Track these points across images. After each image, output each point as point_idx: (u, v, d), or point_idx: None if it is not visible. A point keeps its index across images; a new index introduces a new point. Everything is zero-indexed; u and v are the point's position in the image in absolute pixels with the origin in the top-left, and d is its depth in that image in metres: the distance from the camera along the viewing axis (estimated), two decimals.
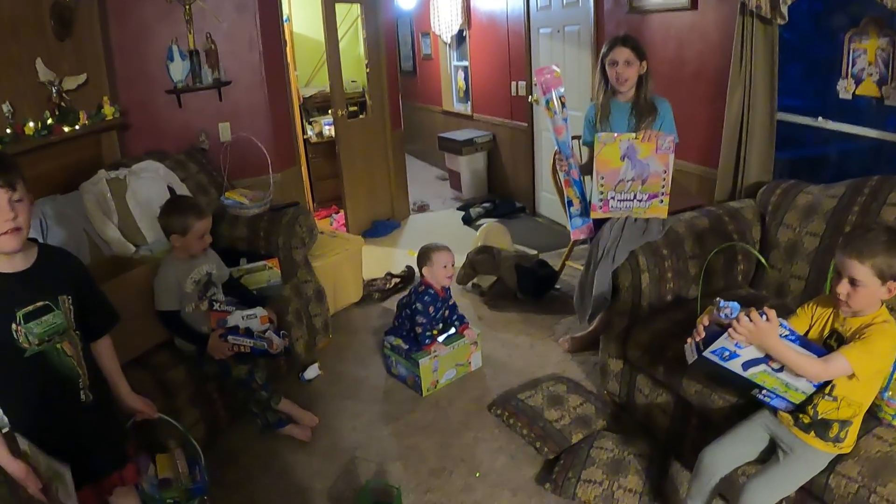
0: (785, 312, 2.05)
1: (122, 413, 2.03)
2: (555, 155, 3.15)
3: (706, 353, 1.86)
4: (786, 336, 1.82)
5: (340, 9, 5.63)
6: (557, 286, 4.27)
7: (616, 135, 2.87)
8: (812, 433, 1.91)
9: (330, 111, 5.73)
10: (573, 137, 3.18)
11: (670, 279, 2.82)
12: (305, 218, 3.49)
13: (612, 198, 2.91)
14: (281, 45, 4.64)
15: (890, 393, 1.98)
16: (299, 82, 6.47)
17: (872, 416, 2.00)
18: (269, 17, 4.37)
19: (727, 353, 1.85)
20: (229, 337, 2.63)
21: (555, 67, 3.00)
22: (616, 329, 2.87)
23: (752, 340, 1.79)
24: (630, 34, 3.12)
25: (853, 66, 2.98)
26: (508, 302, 4.17)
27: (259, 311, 2.73)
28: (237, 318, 2.67)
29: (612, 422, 2.88)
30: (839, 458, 1.92)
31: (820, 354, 1.84)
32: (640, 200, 2.90)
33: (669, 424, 2.64)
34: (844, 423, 1.88)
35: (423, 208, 6.63)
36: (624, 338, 2.82)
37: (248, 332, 2.68)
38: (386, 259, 5.10)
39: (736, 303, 1.92)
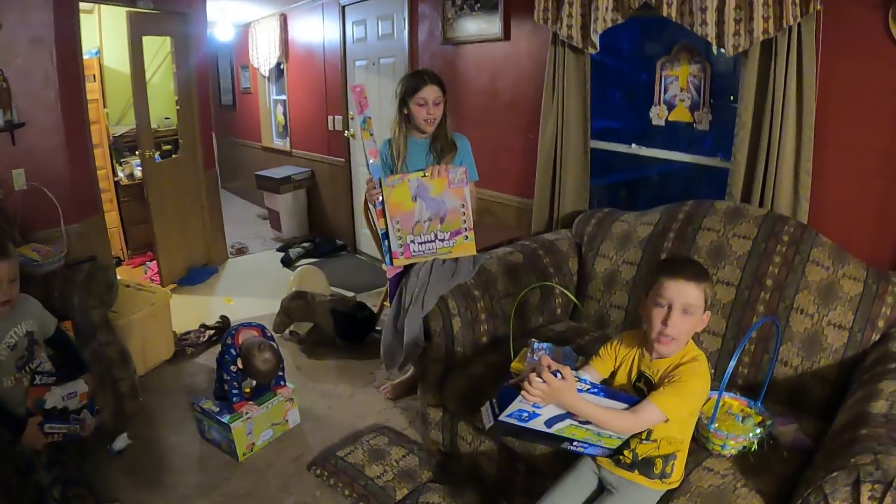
0: (604, 343, 1.98)
1: None
2: (367, 183, 2.89)
3: (502, 418, 1.65)
4: (587, 390, 1.65)
5: (152, 42, 5.34)
6: (378, 328, 4.15)
7: (402, 175, 2.76)
8: (636, 471, 1.81)
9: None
10: None
11: (484, 321, 2.75)
12: (103, 274, 3.18)
13: (413, 241, 2.80)
14: (81, 82, 4.27)
15: (716, 424, 1.95)
16: (110, 120, 6.05)
17: (701, 447, 1.96)
18: (67, 52, 3.99)
19: (526, 415, 1.66)
20: (45, 426, 2.31)
21: (363, 85, 2.85)
22: (432, 377, 2.78)
23: (547, 401, 1.61)
24: (431, 70, 3.02)
25: (666, 92, 3.04)
26: (327, 349, 4.04)
27: (80, 386, 2.44)
28: (56, 397, 2.36)
29: (439, 472, 2.78)
30: (671, 494, 1.83)
31: (631, 402, 1.71)
32: (443, 240, 2.80)
33: (496, 472, 2.57)
34: (668, 458, 1.79)
35: (241, 251, 6.37)
36: (440, 385, 2.73)
37: (65, 413, 2.38)
38: (202, 308, 4.83)
39: (549, 343, 1.81)
